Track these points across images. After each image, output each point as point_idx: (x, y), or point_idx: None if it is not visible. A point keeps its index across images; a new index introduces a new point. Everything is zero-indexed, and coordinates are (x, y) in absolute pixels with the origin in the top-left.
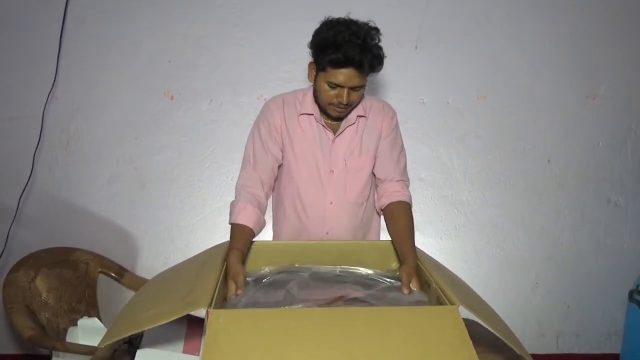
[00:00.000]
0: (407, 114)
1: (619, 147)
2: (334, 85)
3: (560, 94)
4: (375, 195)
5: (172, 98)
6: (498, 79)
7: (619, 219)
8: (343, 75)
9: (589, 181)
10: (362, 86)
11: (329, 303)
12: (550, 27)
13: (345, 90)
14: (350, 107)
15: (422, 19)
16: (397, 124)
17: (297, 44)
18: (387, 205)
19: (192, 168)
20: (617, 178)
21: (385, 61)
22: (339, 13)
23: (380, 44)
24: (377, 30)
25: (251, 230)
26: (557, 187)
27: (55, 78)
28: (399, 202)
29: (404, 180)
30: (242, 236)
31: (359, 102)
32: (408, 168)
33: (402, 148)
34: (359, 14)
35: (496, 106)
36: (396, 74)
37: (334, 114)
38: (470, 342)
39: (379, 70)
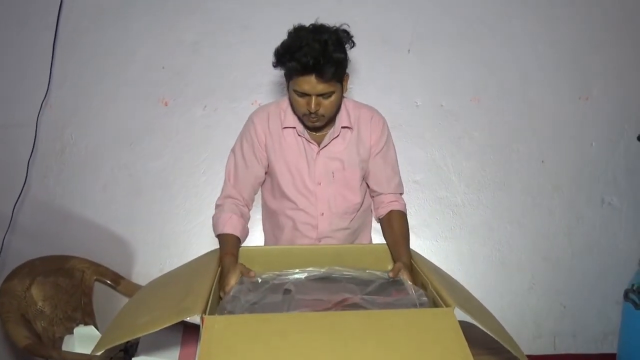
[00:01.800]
0: (401, 117)
1: (612, 148)
2: (301, 94)
3: (553, 95)
4: (372, 205)
5: (166, 104)
6: (491, 81)
7: (613, 218)
8: (305, 82)
9: (583, 182)
10: (332, 93)
11: (327, 309)
12: (543, 29)
13: (313, 98)
14: (324, 117)
15: (415, 22)
16: (388, 135)
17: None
18: (384, 216)
19: (188, 174)
20: (611, 178)
21: (379, 64)
22: (332, 18)
23: (347, 47)
24: (346, 33)
25: (239, 239)
26: (551, 188)
27: (48, 85)
28: (394, 211)
29: (399, 192)
30: (232, 243)
31: (336, 110)
32: (403, 171)
33: (395, 159)
34: (353, 19)
35: (490, 108)
36: (390, 77)
37: (309, 124)
38: (466, 344)
39: (341, 76)
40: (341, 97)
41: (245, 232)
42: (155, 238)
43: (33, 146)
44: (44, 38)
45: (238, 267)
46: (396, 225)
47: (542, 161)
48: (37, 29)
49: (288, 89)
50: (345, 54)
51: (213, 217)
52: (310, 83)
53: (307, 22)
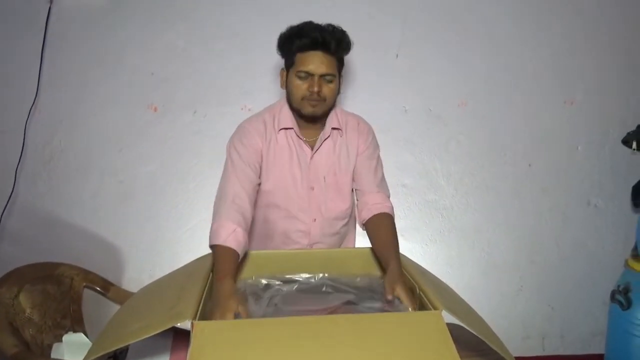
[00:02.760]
0: (389, 122)
1: (597, 151)
2: (304, 74)
3: (539, 99)
4: (356, 211)
5: (155, 110)
6: (478, 86)
7: (599, 220)
8: (311, 59)
9: (570, 184)
10: (333, 77)
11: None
12: (528, 35)
13: (316, 78)
14: (325, 102)
15: (403, 28)
16: (372, 139)
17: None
18: (368, 219)
19: (177, 179)
20: (597, 181)
21: (367, 69)
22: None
23: (347, 34)
24: (340, 28)
25: (239, 255)
26: (538, 191)
27: (37, 91)
28: (381, 214)
29: (384, 191)
30: (233, 263)
31: (332, 103)
32: (392, 174)
33: (379, 161)
34: (341, 24)
35: (477, 113)
36: (378, 82)
37: (307, 111)
38: (454, 347)
39: (346, 50)
40: (338, 90)
41: (246, 249)
42: (146, 244)
43: (21, 152)
44: (33, 44)
45: (234, 304)
46: (382, 229)
47: (529, 164)
48: (26, 34)
49: (287, 80)
50: (350, 42)
51: (213, 225)
52: (316, 59)
53: None
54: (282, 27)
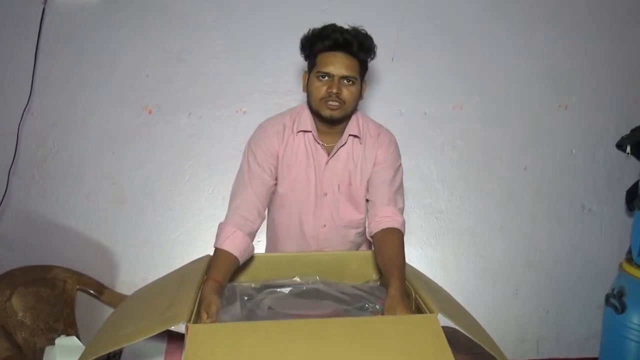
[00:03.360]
0: (385, 125)
1: (591, 155)
2: (324, 75)
3: (533, 103)
4: (366, 221)
5: (150, 112)
6: (473, 89)
7: (593, 224)
8: (332, 60)
9: (564, 188)
10: (354, 79)
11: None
12: (523, 39)
13: (336, 79)
14: (345, 105)
15: (398, 32)
16: (394, 151)
17: (276, 57)
18: (376, 232)
19: (172, 182)
20: (591, 184)
21: (373, 58)
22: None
23: (370, 39)
24: (364, 30)
25: (236, 258)
26: (533, 194)
27: (30, 94)
28: (390, 229)
29: (396, 205)
30: (224, 266)
31: (352, 108)
32: None
33: (398, 173)
34: None
35: (472, 116)
36: (374, 85)
37: (326, 113)
38: (450, 350)
39: (369, 52)
40: (359, 94)
41: (249, 251)
42: (139, 247)
43: (14, 155)
44: (26, 45)
45: (212, 307)
46: (388, 248)
47: (525, 168)
48: (19, 36)
49: (309, 82)
50: (373, 46)
51: (220, 224)
52: (337, 60)
53: (291, 31)
54: (277, 30)
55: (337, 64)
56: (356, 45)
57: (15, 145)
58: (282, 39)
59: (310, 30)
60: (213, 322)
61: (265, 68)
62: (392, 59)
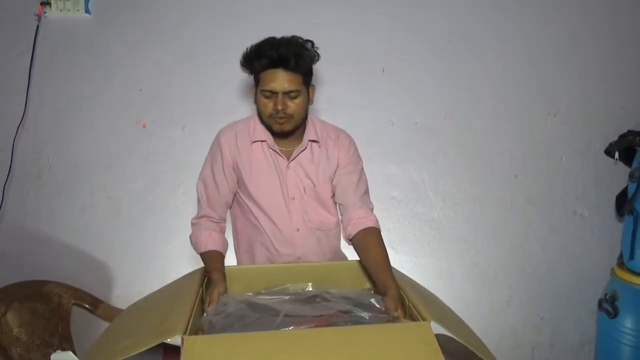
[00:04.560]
0: (377, 135)
1: (581, 161)
2: (268, 93)
3: (523, 111)
4: (341, 226)
5: (144, 126)
6: (463, 99)
7: (585, 230)
8: (273, 77)
9: (555, 194)
10: (297, 92)
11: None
12: (511, 49)
13: (280, 95)
14: (292, 118)
15: (388, 43)
16: (354, 153)
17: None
18: (355, 235)
19: (166, 195)
20: (581, 190)
21: (355, 84)
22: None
23: (308, 47)
24: (311, 42)
25: (221, 253)
26: (524, 202)
27: (25, 109)
28: (367, 229)
29: (366, 205)
30: (218, 259)
31: (303, 115)
32: (381, 187)
33: (362, 174)
34: (329, 40)
35: (463, 125)
36: (365, 96)
37: (276, 128)
38: (443, 357)
39: (307, 65)
40: (307, 103)
41: (226, 246)
42: (135, 260)
43: (9, 170)
44: (20, 62)
45: (220, 285)
46: (372, 248)
47: (515, 176)
48: (13, 52)
49: (256, 97)
50: (311, 55)
51: (191, 236)
52: (277, 77)
53: None
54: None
55: (278, 81)
56: (293, 60)
57: (10, 160)
58: None
59: (248, 48)
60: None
61: None
62: (383, 70)
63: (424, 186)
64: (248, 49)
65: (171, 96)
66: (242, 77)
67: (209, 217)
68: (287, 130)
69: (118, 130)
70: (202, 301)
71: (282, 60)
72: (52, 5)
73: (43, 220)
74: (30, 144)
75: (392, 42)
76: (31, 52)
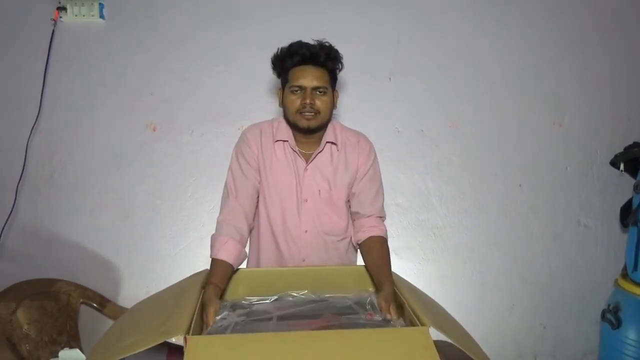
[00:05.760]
0: (383, 143)
1: (585, 172)
2: (297, 89)
3: (528, 121)
4: (352, 230)
5: (154, 130)
6: (468, 108)
7: (588, 240)
8: (302, 73)
9: (559, 204)
10: (325, 89)
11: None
12: (517, 59)
13: (309, 91)
14: (319, 114)
15: (395, 52)
16: (374, 159)
17: (275, 76)
18: (363, 240)
19: (174, 198)
20: (585, 201)
21: (362, 92)
22: None
23: (335, 49)
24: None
25: (231, 266)
26: (528, 211)
27: (39, 111)
28: (376, 236)
29: (381, 216)
30: (220, 272)
31: (327, 117)
32: (386, 194)
33: (380, 184)
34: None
35: (468, 134)
36: (372, 104)
37: (302, 124)
38: None
39: (336, 62)
40: (332, 104)
41: (241, 257)
42: (142, 261)
43: (22, 170)
44: (36, 65)
45: (208, 311)
46: (376, 252)
47: (520, 185)
48: (30, 55)
49: (283, 98)
50: (339, 55)
51: (212, 236)
52: (306, 73)
53: None
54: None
55: (308, 77)
56: (323, 56)
57: (23, 160)
58: None
59: (279, 49)
60: (210, 323)
61: (265, 86)
62: (390, 78)
63: (428, 194)
64: (279, 50)
65: (181, 100)
66: (251, 82)
67: (235, 214)
68: (313, 126)
69: (128, 133)
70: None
71: (312, 57)
72: (68, 11)
73: (54, 220)
74: (43, 145)
75: (399, 51)
76: (46, 55)
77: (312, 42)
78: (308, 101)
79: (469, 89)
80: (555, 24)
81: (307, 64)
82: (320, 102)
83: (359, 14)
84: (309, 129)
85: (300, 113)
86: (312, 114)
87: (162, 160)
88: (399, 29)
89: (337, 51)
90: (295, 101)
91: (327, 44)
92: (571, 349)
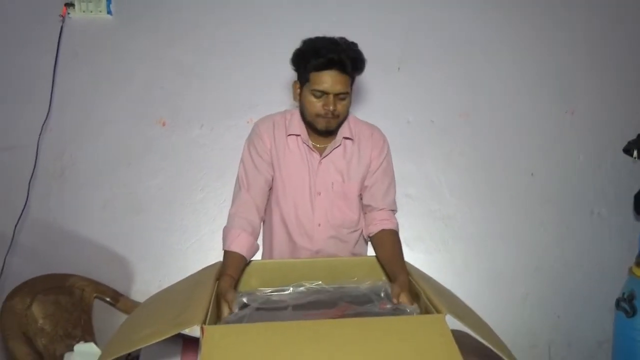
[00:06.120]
0: (393, 133)
1: (599, 160)
2: (319, 93)
3: (539, 110)
4: (363, 222)
5: (164, 124)
6: (478, 97)
7: (602, 229)
8: (327, 78)
9: (572, 193)
10: (347, 94)
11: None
12: (528, 46)
13: (331, 97)
14: (339, 118)
15: (404, 42)
16: (387, 152)
17: (286, 69)
18: (374, 234)
19: (185, 192)
20: (599, 189)
21: (371, 83)
22: None
23: (360, 51)
24: (354, 43)
25: (243, 257)
26: (541, 200)
27: (49, 108)
28: (388, 229)
29: (393, 209)
30: (234, 263)
31: (345, 117)
32: (397, 185)
33: (393, 178)
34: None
35: (478, 124)
36: (382, 95)
37: (321, 126)
38: (458, 350)
39: (361, 70)
40: (349, 105)
41: (254, 250)
42: (154, 255)
43: (34, 167)
44: (45, 61)
45: (228, 297)
46: (389, 244)
47: (532, 174)
48: (39, 53)
49: (301, 94)
50: (365, 61)
51: (224, 229)
52: (331, 78)
53: (300, 44)
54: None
55: (332, 82)
56: (350, 64)
57: (35, 157)
58: (290, 51)
59: (303, 43)
60: (234, 310)
61: (274, 79)
62: (399, 68)
63: (439, 184)
64: (303, 44)
65: (190, 95)
66: (260, 76)
67: (247, 206)
68: (331, 129)
69: (138, 128)
70: (217, 300)
71: (339, 63)
72: (76, 7)
73: (66, 216)
74: (54, 141)
75: (408, 41)
76: (55, 51)
77: (339, 41)
78: (331, 108)
79: (480, 78)
80: (567, 11)
81: (332, 68)
82: (340, 106)
83: (368, 4)
84: (327, 131)
85: (321, 117)
86: (332, 118)
87: (173, 155)
88: (407, 18)
89: (363, 59)
90: (316, 104)
91: (354, 48)
92: (586, 338)
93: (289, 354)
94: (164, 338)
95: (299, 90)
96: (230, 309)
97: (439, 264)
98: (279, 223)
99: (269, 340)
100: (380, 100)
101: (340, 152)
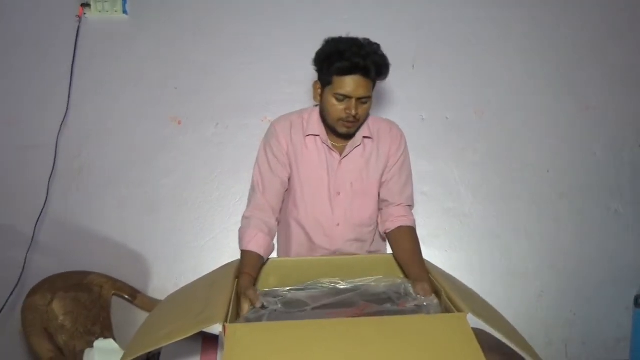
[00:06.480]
0: (407, 130)
1: (614, 156)
2: (342, 97)
3: (554, 105)
4: (379, 219)
5: (179, 123)
6: (493, 94)
7: (620, 226)
8: (350, 82)
9: (589, 190)
10: (369, 98)
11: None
12: (543, 43)
13: (353, 100)
14: (358, 122)
15: (418, 39)
16: (405, 148)
17: (299, 67)
18: (392, 230)
19: (200, 190)
20: (616, 186)
21: (386, 80)
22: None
23: (384, 55)
24: (377, 45)
25: (261, 257)
26: (557, 197)
27: (67, 108)
28: (405, 227)
29: (410, 204)
30: (251, 262)
31: (365, 119)
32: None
33: (410, 173)
34: (359, 36)
35: (493, 120)
36: (396, 92)
37: (342, 130)
38: (480, 349)
39: (385, 76)
40: (370, 108)
41: (270, 250)
42: (170, 253)
43: (53, 166)
44: (62, 61)
45: (249, 293)
46: (407, 242)
47: (547, 170)
48: (56, 54)
49: (322, 97)
50: (389, 66)
51: (240, 230)
52: (355, 83)
53: (314, 41)
54: (302, 41)
55: (355, 86)
56: (374, 70)
57: (54, 156)
58: (305, 49)
59: (326, 43)
60: (258, 304)
61: (288, 77)
62: (413, 66)
63: (454, 181)
64: (327, 45)
65: (205, 94)
66: (274, 75)
67: (262, 210)
68: (352, 132)
69: (154, 127)
70: (237, 298)
71: (364, 69)
72: (92, 7)
73: (84, 214)
74: (72, 140)
75: (422, 38)
76: (72, 51)
77: (365, 44)
78: (353, 112)
79: (494, 75)
80: (581, 6)
81: (356, 73)
82: (361, 110)
83: (381, 1)
84: (348, 135)
85: (343, 121)
86: (354, 122)
87: (188, 153)
88: (421, 15)
89: (388, 64)
90: (337, 107)
91: (379, 53)
92: (602, 336)
93: (310, 353)
94: (186, 336)
95: (319, 91)
96: (253, 303)
97: (454, 261)
98: (296, 224)
99: (289, 339)
100: (395, 97)
101: (359, 151)
